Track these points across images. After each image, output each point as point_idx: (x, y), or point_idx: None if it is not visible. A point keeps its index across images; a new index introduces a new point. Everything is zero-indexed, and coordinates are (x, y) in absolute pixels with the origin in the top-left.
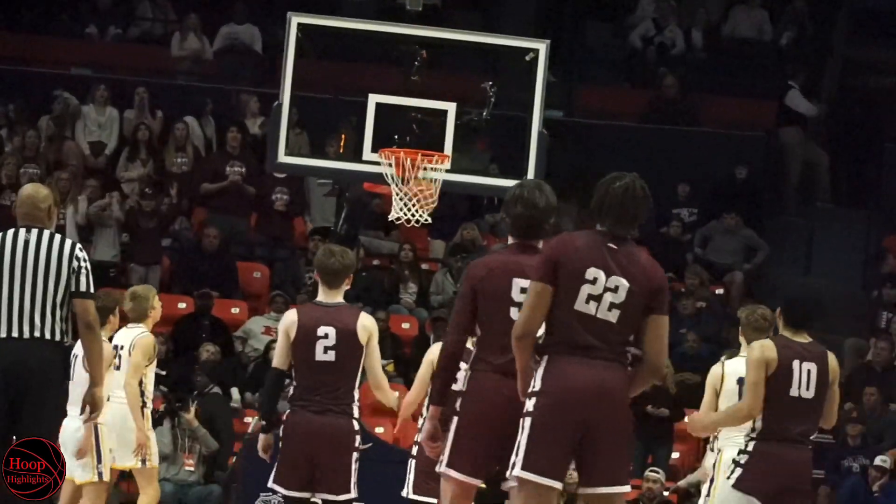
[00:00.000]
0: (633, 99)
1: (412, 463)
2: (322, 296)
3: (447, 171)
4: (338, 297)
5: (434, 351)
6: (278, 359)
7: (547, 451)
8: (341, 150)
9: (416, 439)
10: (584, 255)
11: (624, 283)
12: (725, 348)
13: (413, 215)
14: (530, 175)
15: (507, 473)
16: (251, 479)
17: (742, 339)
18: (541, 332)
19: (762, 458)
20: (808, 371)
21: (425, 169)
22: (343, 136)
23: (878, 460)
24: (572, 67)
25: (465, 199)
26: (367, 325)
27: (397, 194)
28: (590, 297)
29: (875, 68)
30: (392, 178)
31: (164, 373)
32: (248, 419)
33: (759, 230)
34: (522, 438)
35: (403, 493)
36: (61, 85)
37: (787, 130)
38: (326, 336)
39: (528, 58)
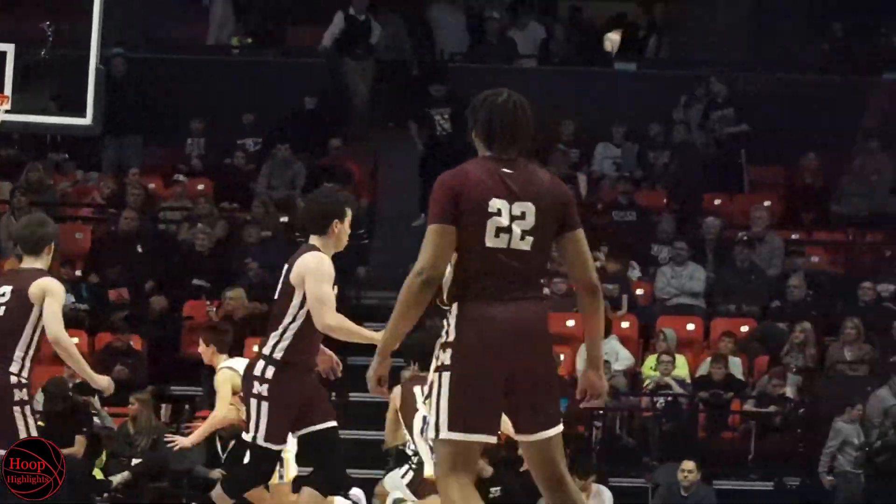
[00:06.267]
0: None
1: None
2: None
3: (7, 111)
4: None
5: None
6: None
7: (474, 406)
8: None
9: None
10: (483, 187)
11: (530, 206)
12: None
13: None
14: (88, 111)
15: (420, 434)
16: None
17: None
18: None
19: None
20: None
21: None
22: None
23: None
24: None
25: (30, 139)
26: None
27: None
28: (499, 231)
29: None
30: None
31: None
32: None
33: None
34: (442, 395)
35: None
36: None
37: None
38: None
39: None
